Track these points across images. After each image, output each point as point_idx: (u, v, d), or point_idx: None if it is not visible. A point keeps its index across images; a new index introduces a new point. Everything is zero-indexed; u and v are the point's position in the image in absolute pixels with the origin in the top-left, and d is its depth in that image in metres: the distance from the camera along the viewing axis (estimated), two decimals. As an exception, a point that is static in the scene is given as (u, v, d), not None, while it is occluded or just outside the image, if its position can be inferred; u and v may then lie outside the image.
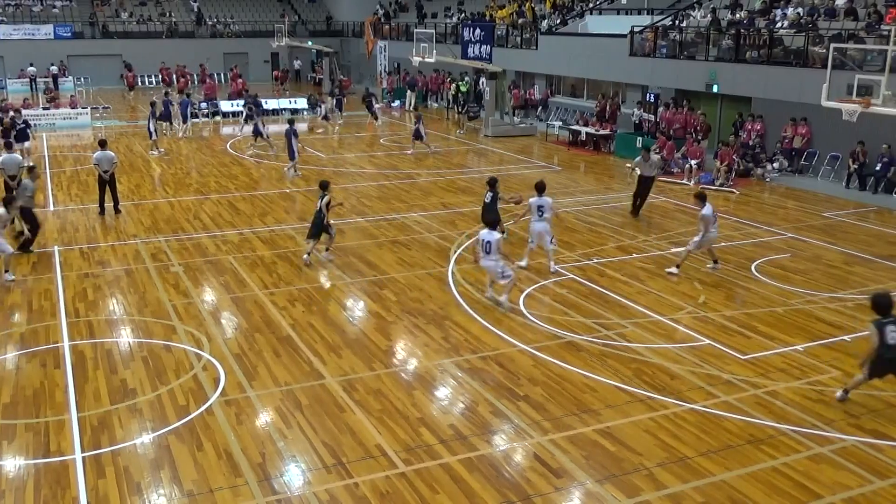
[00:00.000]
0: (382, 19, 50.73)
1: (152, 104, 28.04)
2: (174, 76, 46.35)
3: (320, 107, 35.54)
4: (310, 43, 51.16)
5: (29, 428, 9.27)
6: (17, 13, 53.38)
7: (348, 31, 57.00)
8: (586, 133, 29.22)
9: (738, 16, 26.99)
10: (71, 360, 11.09)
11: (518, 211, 16.41)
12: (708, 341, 11.79)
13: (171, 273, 14.79)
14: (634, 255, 16.00)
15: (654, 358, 11.22)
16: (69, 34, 52.35)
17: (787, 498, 8.01)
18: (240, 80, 41.66)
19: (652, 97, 28.08)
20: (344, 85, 43.70)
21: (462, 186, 22.43)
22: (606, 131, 28.85)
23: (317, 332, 12.10)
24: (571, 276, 14.68)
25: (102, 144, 19.36)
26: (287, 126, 23.84)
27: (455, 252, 16.07)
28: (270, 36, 49.91)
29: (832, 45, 17.70)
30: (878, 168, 21.57)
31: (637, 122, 28.91)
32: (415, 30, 39.12)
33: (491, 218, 14.58)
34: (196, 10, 57.40)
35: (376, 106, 36.25)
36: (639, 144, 26.30)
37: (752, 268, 15.18)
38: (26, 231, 15.74)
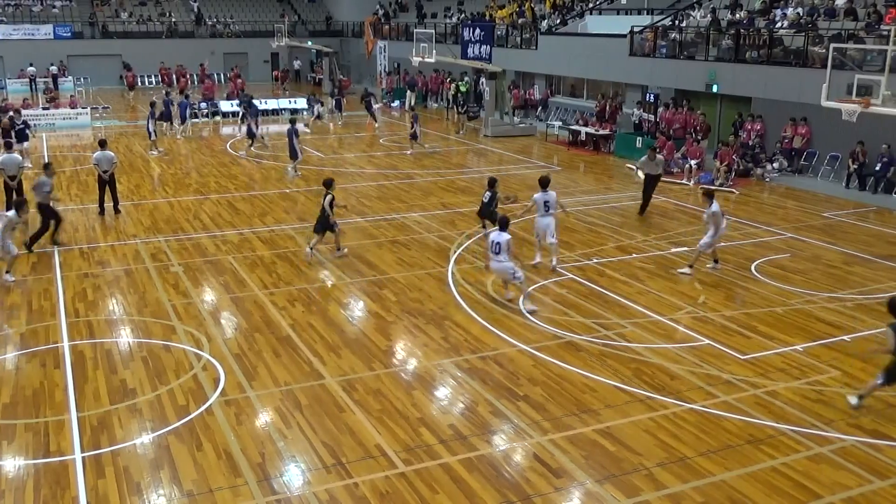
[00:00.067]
0: (382, 19, 50.72)
1: (152, 104, 28.03)
2: (174, 76, 46.38)
3: (313, 107, 35.53)
4: (309, 43, 51.19)
5: (28, 428, 9.27)
6: (17, 13, 53.38)
7: (348, 31, 57.00)
8: (586, 133, 29.23)
9: (737, 16, 27.00)
10: (70, 360, 11.09)
11: (517, 211, 16.41)
12: (707, 341, 11.79)
13: (170, 273, 14.80)
14: (634, 256, 16.00)
15: (653, 358, 11.22)
16: (69, 34, 52.36)
17: (787, 498, 8.01)
18: (239, 80, 41.67)
19: (652, 97, 28.09)
20: (344, 85, 43.71)
21: (462, 186, 22.43)
22: (606, 131, 28.86)
23: (316, 332, 12.11)
24: (571, 276, 14.68)
25: (102, 144, 19.37)
26: (289, 126, 23.86)
27: (455, 252, 16.07)
28: (270, 36, 49.92)
29: (832, 45, 17.70)
30: (877, 168, 21.57)
31: (637, 122, 28.91)
32: (414, 30, 39.11)
33: (488, 216, 14.60)
34: (196, 10, 57.41)
35: (375, 106, 36.23)
36: (639, 144, 26.33)
37: (752, 268, 15.18)
38: (51, 225, 16.25)
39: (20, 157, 19.85)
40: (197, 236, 17.25)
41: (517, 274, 12.78)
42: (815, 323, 12.55)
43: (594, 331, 12.17)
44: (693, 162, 23.35)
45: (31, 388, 10.25)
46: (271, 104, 37.94)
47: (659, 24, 29.25)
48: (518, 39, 36.15)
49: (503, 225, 12.87)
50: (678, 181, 23.06)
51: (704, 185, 21.65)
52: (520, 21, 37.43)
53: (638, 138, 26.98)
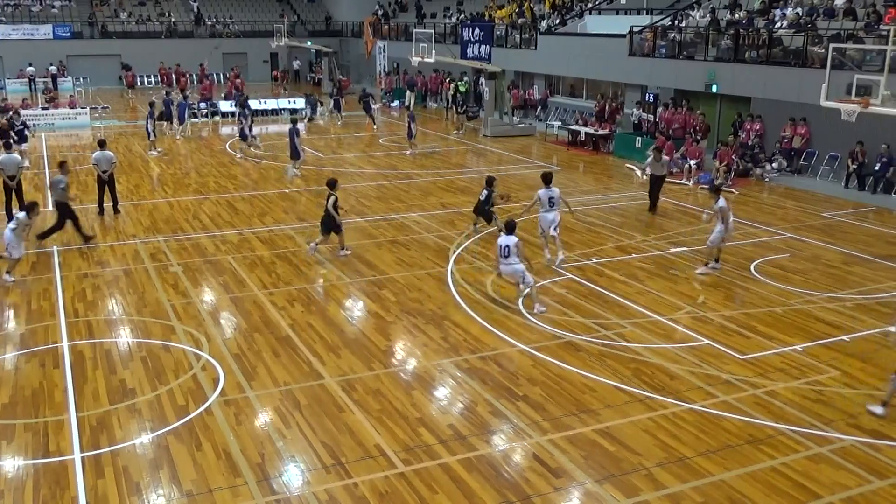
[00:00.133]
0: (382, 19, 50.71)
1: (151, 104, 28.01)
2: (174, 76, 46.36)
3: (309, 106, 35.48)
4: (309, 43, 51.17)
5: (28, 428, 9.27)
6: (16, 13, 53.36)
7: (347, 31, 56.99)
8: (585, 133, 29.23)
9: (737, 16, 27.00)
10: (70, 360, 11.09)
11: (518, 211, 16.41)
12: (707, 341, 11.79)
13: (170, 273, 14.79)
14: (633, 256, 16.00)
15: (653, 358, 11.22)
16: (68, 34, 52.34)
17: (786, 498, 8.01)
18: (238, 81, 41.63)
19: (651, 97, 28.10)
20: (343, 85, 43.68)
21: (461, 186, 22.43)
22: (605, 131, 28.86)
23: (316, 332, 12.10)
24: (570, 276, 14.68)
25: (101, 144, 19.38)
26: (290, 125, 23.85)
27: (454, 252, 16.07)
28: (269, 36, 49.89)
29: (831, 45, 17.69)
30: (877, 168, 21.57)
31: (636, 122, 28.92)
32: (414, 30, 39.10)
33: (482, 213, 14.61)
34: (195, 10, 57.40)
35: (374, 107, 36.20)
36: (638, 145, 26.34)
37: (751, 268, 15.18)
38: (66, 224, 16.35)
39: (19, 157, 19.84)
40: (196, 236, 17.25)
41: (527, 279, 12.75)
42: (815, 323, 12.56)
43: (594, 331, 12.17)
44: (692, 162, 23.35)
45: (30, 389, 10.25)
46: (270, 104, 37.91)
47: (658, 24, 29.25)
48: (517, 39, 36.16)
49: (510, 228, 12.82)
50: (678, 181, 23.05)
51: (703, 186, 21.67)
52: (519, 21, 37.43)
53: (637, 138, 26.98)
